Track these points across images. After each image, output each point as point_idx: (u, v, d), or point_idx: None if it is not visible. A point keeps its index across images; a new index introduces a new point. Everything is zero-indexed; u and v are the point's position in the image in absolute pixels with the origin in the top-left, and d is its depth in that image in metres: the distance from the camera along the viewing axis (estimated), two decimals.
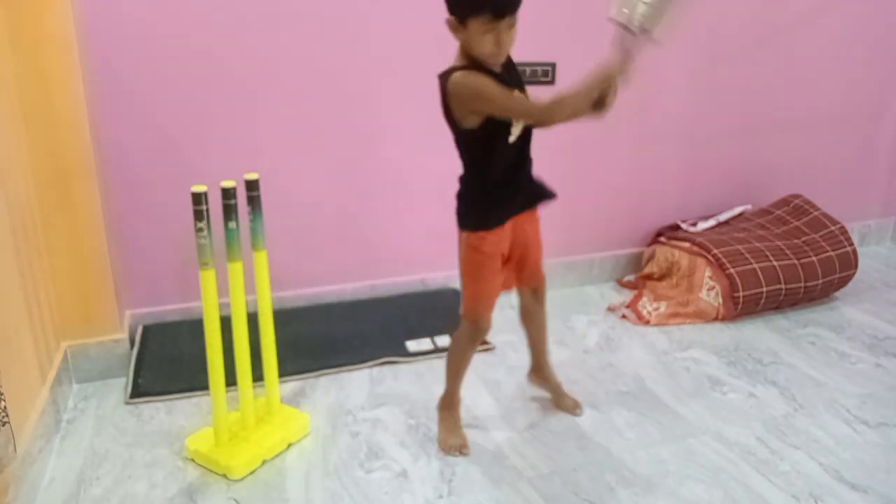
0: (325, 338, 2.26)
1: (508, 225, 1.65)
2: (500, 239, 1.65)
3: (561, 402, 1.93)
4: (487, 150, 1.56)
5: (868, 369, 2.18)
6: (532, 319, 1.88)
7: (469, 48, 1.48)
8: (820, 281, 2.54)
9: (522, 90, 1.59)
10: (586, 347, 2.29)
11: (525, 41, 2.46)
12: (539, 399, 1.98)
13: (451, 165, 2.50)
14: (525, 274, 1.77)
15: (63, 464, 1.69)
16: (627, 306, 2.55)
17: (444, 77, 1.51)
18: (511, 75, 1.57)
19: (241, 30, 2.14)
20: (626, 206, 2.81)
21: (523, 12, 2.52)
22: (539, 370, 1.96)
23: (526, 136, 1.59)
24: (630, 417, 1.90)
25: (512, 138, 1.55)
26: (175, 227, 2.16)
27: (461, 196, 1.66)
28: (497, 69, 1.53)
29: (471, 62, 1.50)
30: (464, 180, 1.65)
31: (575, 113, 1.51)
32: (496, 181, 1.59)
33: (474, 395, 2.00)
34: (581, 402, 1.92)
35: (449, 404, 1.82)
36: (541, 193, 1.71)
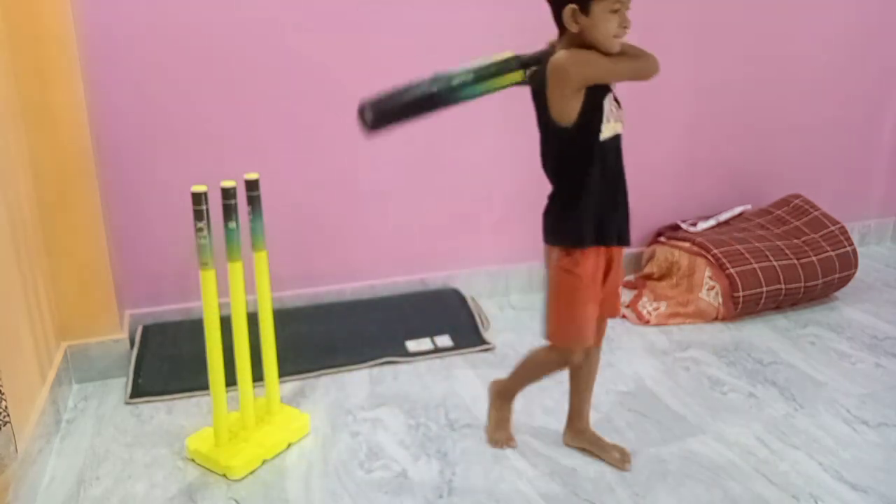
0: (325, 338, 2.26)
1: (604, 250, 1.54)
2: (596, 262, 1.53)
3: (606, 455, 1.72)
4: (584, 152, 1.48)
5: (868, 369, 2.18)
6: (586, 362, 1.68)
7: (589, 36, 1.41)
8: (820, 281, 2.54)
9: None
10: None
11: (525, 41, 2.48)
12: (539, 399, 1.98)
13: (451, 165, 2.51)
14: (603, 307, 1.62)
15: (63, 464, 1.69)
16: (627, 306, 2.55)
17: (545, 63, 1.45)
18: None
19: (242, 30, 2.14)
20: None
21: (523, 13, 2.52)
22: (575, 426, 1.75)
23: (617, 140, 1.51)
24: (630, 417, 1.90)
25: (603, 135, 1.47)
26: (175, 227, 2.16)
27: (551, 212, 1.57)
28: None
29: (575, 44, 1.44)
30: (556, 195, 1.56)
31: (609, 75, 1.49)
32: (593, 191, 1.49)
33: (474, 394, 2.00)
34: (629, 454, 1.71)
35: (506, 394, 1.77)
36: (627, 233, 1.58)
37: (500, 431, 1.77)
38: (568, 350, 1.59)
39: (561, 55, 1.43)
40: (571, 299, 1.53)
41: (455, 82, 1.53)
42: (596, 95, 1.45)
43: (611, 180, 1.52)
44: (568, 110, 1.45)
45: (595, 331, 1.60)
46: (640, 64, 1.49)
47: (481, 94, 1.54)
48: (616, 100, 1.50)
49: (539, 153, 1.56)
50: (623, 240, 1.56)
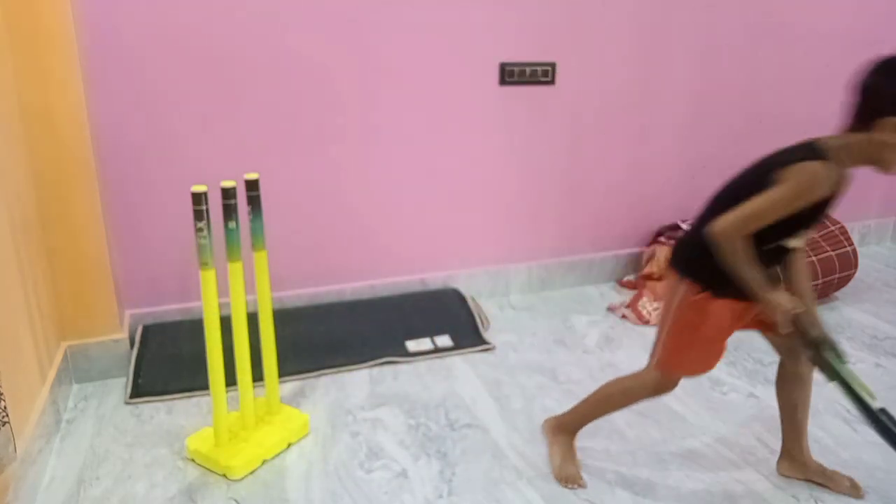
0: (325, 338, 2.26)
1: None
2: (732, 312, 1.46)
3: (834, 485, 1.63)
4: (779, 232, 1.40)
5: (868, 369, 2.18)
6: (794, 386, 1.59)
7: (887, 152, 1.30)
8: (820, 281, 2.54)
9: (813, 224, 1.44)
10: (586, 347, 2.29)
11: (525, 41, 2.49)
12: (539, 399, 1.98)
13: (451, 165, 2.52)
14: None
15: (63, 464, 1.69)
16: (627, 306, 2.55)
17: (802, 155, 1.34)
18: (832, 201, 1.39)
19: (242, 30, 2.14)
20: (626, 206, 2.81)
21: (523, 12, 2.53)
22: (796, 455, 1.65)
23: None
24: (630, 417, 1.90)
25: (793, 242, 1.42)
26: (175, 227, 2.16)
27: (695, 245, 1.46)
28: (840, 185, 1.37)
29: (855, 158, 1.34)
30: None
31: (732, 267, 1.38)
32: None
33: (474, 395, 2.00)
34: (860, 485, 1.63)
35: (570, 431, 1.70)
36: None
37: (569, 467, 1.66)
38: (674, 380, 1.55)
39: (807, 167, 1.32)
40: (694, 336, 1.51)
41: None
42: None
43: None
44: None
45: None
46: (756, 286, 1.37)
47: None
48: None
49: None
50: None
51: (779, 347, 1.60)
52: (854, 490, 1.62)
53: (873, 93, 1.32)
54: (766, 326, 1.53)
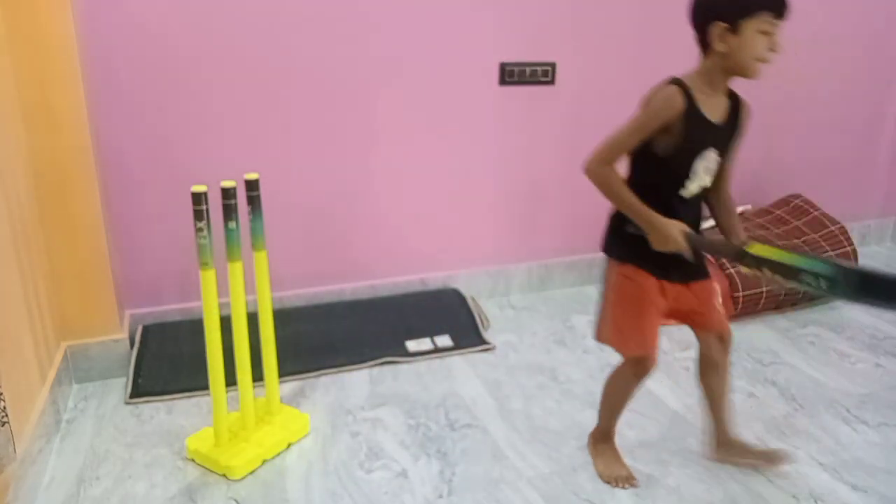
0: (325, 338, 2.26)
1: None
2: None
3: (758, 461, 1.68)
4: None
5: (868, 369, 2.18)
6: (714, 372, 1.65)
7: (734, 59, 1.38)
8: None
9: (728, 149, 1.50)
10: (586, 347, 2.29)
11: (525, 41, 2.48)
12: (539, 399, 1.99)
13: (451, 165, 2.51)
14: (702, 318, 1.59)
15: (63, 464, 1.69)
16: None
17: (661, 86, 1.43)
18: (727, 127, 1.47)
19: (242, 30, 2.14)
20: None
21: (523, 12, 2.53)
22: (723, 438, 1.70)
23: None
24: (630, 417, 1.89)
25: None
26: (175, 227, 2.16)
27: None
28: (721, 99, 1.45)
29: (707, 76, 1.42)
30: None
31: (610, 198, 1.46)
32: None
33: (474, 395, 2.00)
34: (783, 452, 1.68)
35: (604, 437, 1.71)
36: None
37: (618, 468, 1.66)
38: (634, 357, 1.58)
39: (657, 91, 1.43)
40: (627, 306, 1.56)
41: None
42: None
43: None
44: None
45: (709, 338, 1.62)
46: (592, 164, 1.44)
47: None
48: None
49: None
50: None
51: (699, 338, 1.64)
52: (779, 460, 1.67)
53: (696, 15, 1.42)
54: (692, 320, 1.59)
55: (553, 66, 2.50)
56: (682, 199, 1.47)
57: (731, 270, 2.43)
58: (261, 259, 1.71)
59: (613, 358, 2.21)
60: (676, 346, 2.31)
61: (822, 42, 2.90)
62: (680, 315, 1.58)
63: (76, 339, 2.01)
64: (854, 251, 2.64)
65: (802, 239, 2.64)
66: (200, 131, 2.19)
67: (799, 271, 1.27)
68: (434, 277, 2.62)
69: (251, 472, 1.66)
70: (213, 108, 2.18)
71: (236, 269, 1.63)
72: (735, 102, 1.49)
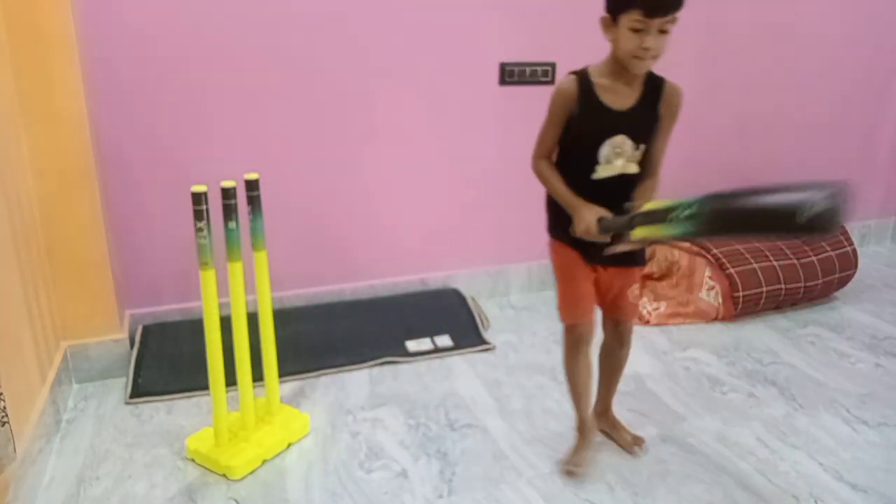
0: (325, 338, 2.26)
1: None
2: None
3: (618, 436, 1.79)
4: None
5: (868, 369, 2.18)
6: (611, 356, 1.76)
7: (616, 48, 1.43)
8: (820, 281, 2.54)
9: (644, 135, 1.50)
10: None
11: (525, 41, 2.48)
12: (539, 399, 1.99)
13: (451, 165, 2.51)
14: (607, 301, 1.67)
15: (63, 464, 1.69)
16: None
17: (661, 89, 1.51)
18: (638, 114, 1.48)
19: (242, 30, 2.14)
20: None
21: (523, 12, 2.53)
22: (603, 412, 1.82)
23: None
24: (630, 417, 1.90)
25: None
26: (175, 227, 2.16)
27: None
28: (621, 92, 1.47)
29: (610, 65, 1.47)
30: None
31: (546, 188, 1.57)
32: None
33: (474, 395, 2.00)
34: (643, 440, 1.78)
35: (578, 427, 1.74)
36: None
37: (575, 459, 1.70)
38: (568, 324, 1.66)
39: (559, 83, 1.51)
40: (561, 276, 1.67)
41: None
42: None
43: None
44: None
45: (609, 325, 1.72)
46: (534, 159, 1.57)
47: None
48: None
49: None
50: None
51: (603, 324, 1.72)
52: (635, 445, 1.76)
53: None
54: (604, 304, 1.67)
55: (553, 66, 2.50)
56: (596, 182, 1.50)
57: (732, 270, 2.43)
58: (261, 259, 1.71)
59: None
60: (677, 346, 2.31)
61: (823, 42, 2.91)
62: (600, 295, 1.65)
63: (76, 339, 2.01)
64: (854, 251, 2.64)
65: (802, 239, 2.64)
66: (201, 131, 2.19)
67: (669, 210, 1.35)
68: (434, 277, 2.62)
69: (251, 472, 1.66)
70: (214, 108, 2.18)
71: (236, 269, 1.63)
72: (654, 88, 1.50)
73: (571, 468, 1.67)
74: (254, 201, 1.66)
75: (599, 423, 1.82)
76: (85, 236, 1.94)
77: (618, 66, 1.46)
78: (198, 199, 1.50)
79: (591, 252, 1.55)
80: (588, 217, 1.45)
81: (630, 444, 1.76)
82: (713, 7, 2.65)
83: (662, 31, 1.38)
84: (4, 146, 1.65)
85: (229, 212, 1.58)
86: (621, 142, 1.47)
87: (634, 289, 1.66)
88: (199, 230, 1.53)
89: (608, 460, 1.73)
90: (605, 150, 1.47)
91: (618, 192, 1.50)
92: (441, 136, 2.46)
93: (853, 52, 3.00)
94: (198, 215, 1.52)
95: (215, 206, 1.55)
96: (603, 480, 1.65)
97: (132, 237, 2.20)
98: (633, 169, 1.51)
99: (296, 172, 2.31)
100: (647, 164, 1.53)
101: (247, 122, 2.22)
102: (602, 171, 1.49)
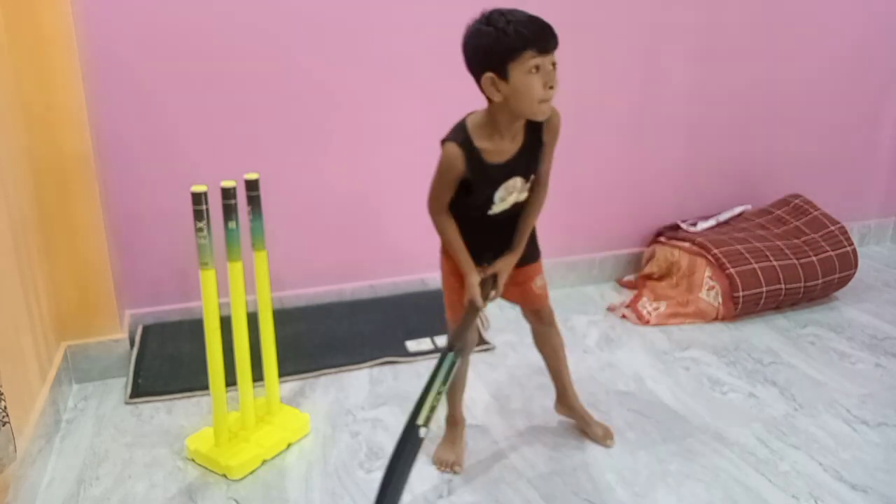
0: (325, 338, 2.26)
1: None
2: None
3: (590, 430, 1.79)
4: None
5: (868, 369, 2.18)
6: (543, 343, 1.79)
7: (513, 102, 1.37)
8: (820, 281, 2.54)
9: (534, 167, 1.52)
10: (586, 347, 2.29)
11: None
12: (539, 399, 1.98)
13: None
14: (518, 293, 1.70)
15: (63, 464, 1.69)
16: (627, 306, 2.55)
17: (451, 134, 1.50)
18: (525, 154, 1.48)
19: (242, 29, 2.14)
20: (626, 206, 2.81)
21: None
22: (563, 398, 1.83)
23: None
24: (630, 417, 1.90)
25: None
26: (175, 227, 2.16)
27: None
28: (508, 151, 1.47)
29: (491, 125, 1.44)
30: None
31: (442, 241, 1.59)
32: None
33: (474, 395, 2.00)
34: (612, 431, 1.80)
35: (447, 419, 1.77)
36: None
37: (444, 452, 1.73)
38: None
39: (444, 151, 1.49)
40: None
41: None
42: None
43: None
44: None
45: (529, 315, 1.76)
46: (431, 210, 1.56)
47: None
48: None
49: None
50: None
51: (524, 315, 1.76)
52: (606, 438, 1.77)
53: (469, 67, 1.41)
54: (515, 299, 1.71)
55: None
56: (491, 217, 1.54)
57: (732, 270, 2.43)
58: (261, 259, 1.71)
59: (613, 358, 2.22)
60: (677, 346, 2.31)
61: (823, 41, 2.90)
62: (508, 294, 1.65)
63: (76, 339, 2.01)
64: (854, 251, 2.64)
65: (802, 239, 2.64)
66: (200, 131, 2.19)
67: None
68: (434, 277, 2.60)
69: (251, 472, 1.66)
70: (214, 107, 2.18)
71: (236, 269, 1.63)
72: (536, 124, 1.48)
73: (455, 464, 1.69)
74: (254, 201, 1.66)
75: (569, 417, 1.84)
76: (85, 236, 1.94)
77: (501, 123, 1.43)
78: (198, 199, 1.50)
79: (484, 261, 1.58)
80: (475, 285, 1.50)
81: (602, 438, 1.77)
82: (713, 7, 2.65)
83: (554, 65, 1.37)
84: (4, 146, 1.65)
85: (229, 212, 1.58)
86: (513, 183, 1.50)
87: (538, 280, 1.69)
88: (199, 230, 1.53)
89: (608, 460, 1.73)
90: (500, 192, 1.50)
91: (512, 218, 1.57)
92: (440, 135, 2.46)
93: (853, 52, 3.00)
94: (198, 215, 1.52)
95: (215, 205, 1.55)
96: (603, 480, 1.65)
97: (132, 237, 2.20)
98: (525, 196, 1.55)
99: (296, 172, 2.31)
100: (536, 182, 1.56)
101: (247, 122, 2.22)
102: (497, 208, 1.52)
